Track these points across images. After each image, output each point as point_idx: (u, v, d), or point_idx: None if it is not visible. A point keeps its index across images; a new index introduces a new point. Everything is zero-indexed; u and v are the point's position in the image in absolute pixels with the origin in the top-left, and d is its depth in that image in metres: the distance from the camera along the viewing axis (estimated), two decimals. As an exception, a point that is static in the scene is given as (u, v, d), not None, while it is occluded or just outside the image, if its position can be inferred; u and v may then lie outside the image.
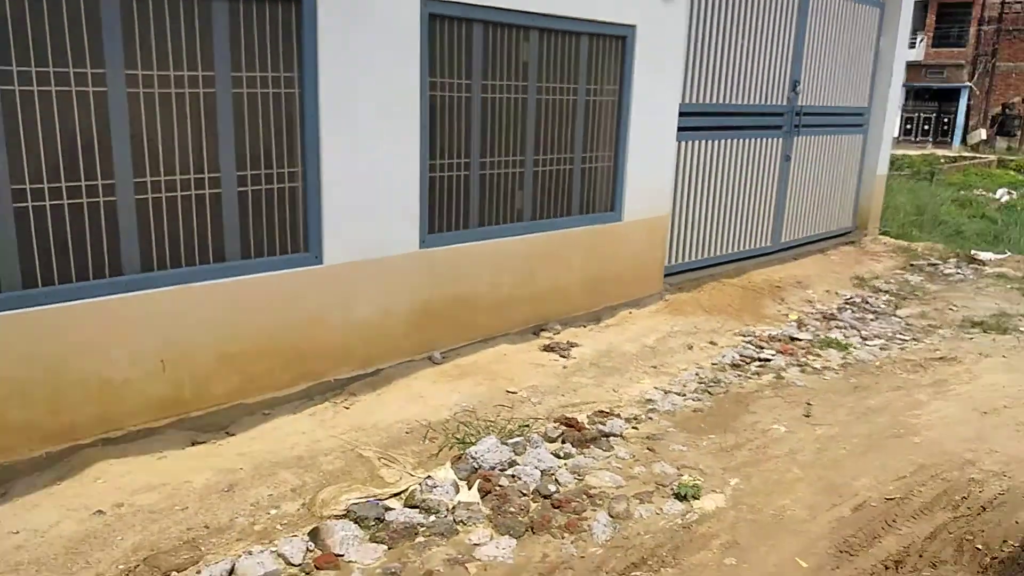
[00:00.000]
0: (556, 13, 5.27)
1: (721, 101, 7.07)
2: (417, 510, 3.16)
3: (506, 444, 3.73)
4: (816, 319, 6.37)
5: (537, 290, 5.63)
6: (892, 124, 9.45)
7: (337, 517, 3.06)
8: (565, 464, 3.65)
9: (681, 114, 6.62)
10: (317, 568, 2.77)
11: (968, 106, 38.45)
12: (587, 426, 4.07)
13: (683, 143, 6.75)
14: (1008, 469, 3.65)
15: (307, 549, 2.85)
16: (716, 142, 7.13)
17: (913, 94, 39.49)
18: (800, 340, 5.83)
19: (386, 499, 3.23)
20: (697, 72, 6.75)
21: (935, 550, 3.01)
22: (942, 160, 30.45)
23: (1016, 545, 3.03)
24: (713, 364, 5.17)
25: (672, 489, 3.42)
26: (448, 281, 5.00)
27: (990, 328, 6.12)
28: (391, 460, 3.58)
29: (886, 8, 9.05)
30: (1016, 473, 3.61)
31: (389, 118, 4.47)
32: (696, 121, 6.86)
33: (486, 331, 5.29)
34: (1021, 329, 6.10)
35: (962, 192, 22.98)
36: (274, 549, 2.83)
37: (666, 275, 6.97)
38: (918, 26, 39.46)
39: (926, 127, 39.03)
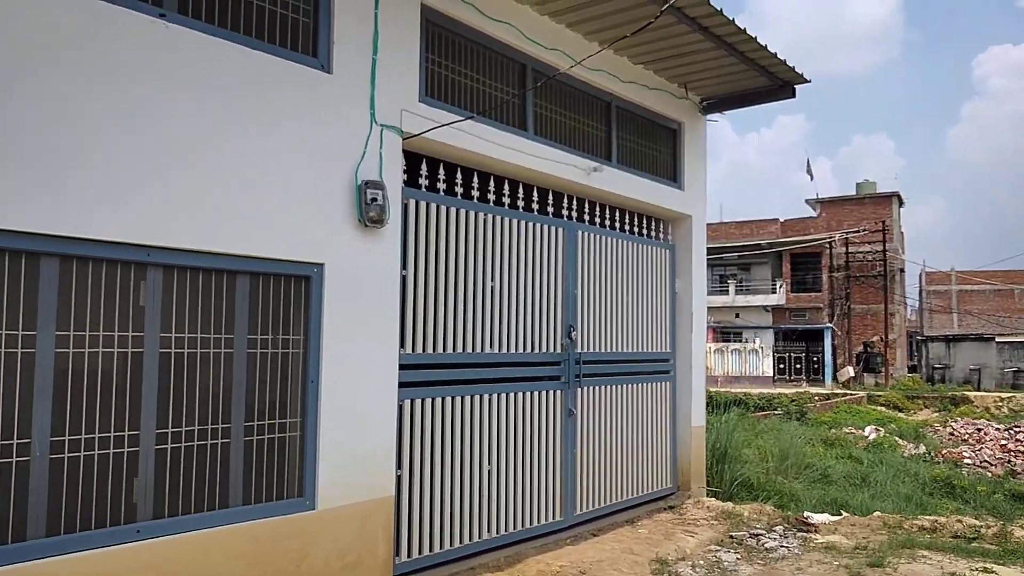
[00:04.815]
0: (188, 247, 4.12)
1: (470, 350, 5.95)
2: None
3: None
4: (583, 633, 4.77)
5: (161, 623, 3.89)
6: (701, 369, 8.61)
7: None
8: None
9: (409, 367, 5.43)
10: None
11: (833, 345, 40.20)
12: None
13: (414, 402, 5.48)
14: None
15: None
16: (467, 399, 5.90)
17: (781, 335, 41.29)
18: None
19: None
20: (431, 318, 5.66)
21: None
22: (816, 398, 30.80)
23: None
24: None
25: None
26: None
27: (801, 638, 4.67)
28: None
29: (677, 249, 8.59)
30: None
31: None
32: (434, 375, 5.67)
33: None
34: (840, 636, 4.68)
35: (832, 431, 22.74)
36: None
37: (404, 574, 5.33)
38: (776, 273, 42.42)
39: (798, 366, 40.27)
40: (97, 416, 3.80)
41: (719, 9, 6.35)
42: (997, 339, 40.35)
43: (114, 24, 3.84)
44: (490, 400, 6.10)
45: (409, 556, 5.35)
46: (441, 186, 5.91)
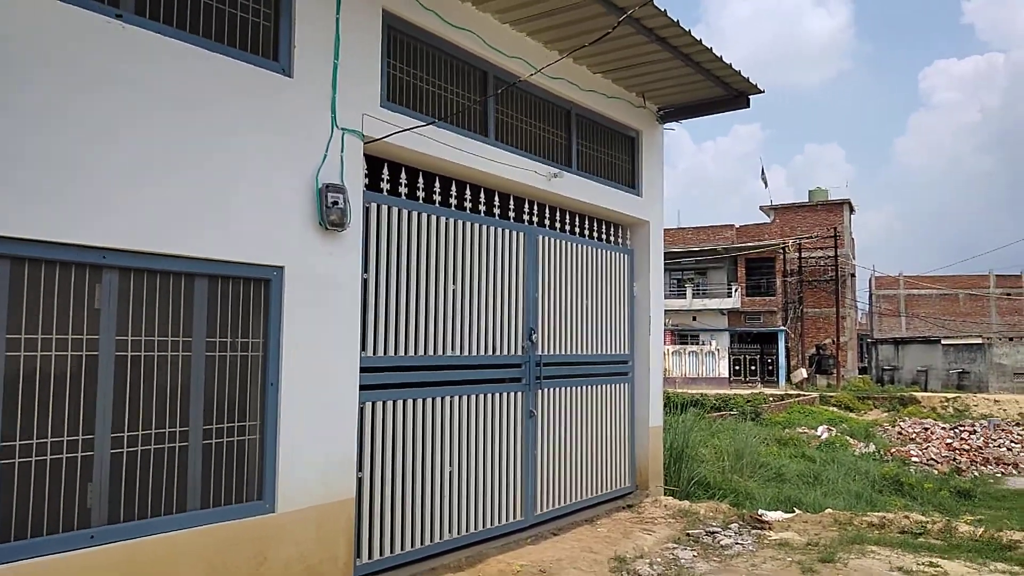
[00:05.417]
0: (144, 250, 4.08)
1: (431, 353, 5.99)
2: None
3: None
4: (543, 632, 4.83)
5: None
6: (659, 371, 8.77)
7: None
8: None
9: (371, 370, 5.44)
10: None
11: (787, 348, 41.02)
12: None
13: (376, 404, 5.49)
14: None
15: None
16: (429, 401, 5.93)
17: (737, 338, 42.02)
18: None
19: None
20: (392, 321, 5.68)
21: None
22: (770, 398, 31.37)
23: None
24: None
25: None
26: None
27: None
28: None
29: (635, 254, 8.73)
30: None
31: None
32: (395, 377, 5.69)
33: None
34: (791, 630, 4.81)
35: (786, 431, 23.22)
36: None
37: (365, 575, 5.34)
38: (732, 278, 43.14)
39: (753, 368, 40.98)
40: (50, 420, 3.74)
41: (676, 20, 6.49)
42: (943, 342, 41.61)
43: (66, 23, 3.80)
44: (451, 402, 6.13)
45: (370, 557, 5.35)
46: (403, 190, 5.93)
